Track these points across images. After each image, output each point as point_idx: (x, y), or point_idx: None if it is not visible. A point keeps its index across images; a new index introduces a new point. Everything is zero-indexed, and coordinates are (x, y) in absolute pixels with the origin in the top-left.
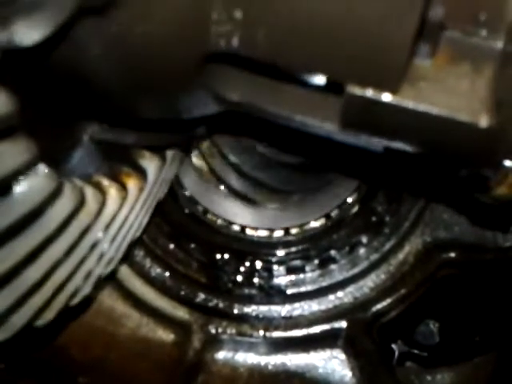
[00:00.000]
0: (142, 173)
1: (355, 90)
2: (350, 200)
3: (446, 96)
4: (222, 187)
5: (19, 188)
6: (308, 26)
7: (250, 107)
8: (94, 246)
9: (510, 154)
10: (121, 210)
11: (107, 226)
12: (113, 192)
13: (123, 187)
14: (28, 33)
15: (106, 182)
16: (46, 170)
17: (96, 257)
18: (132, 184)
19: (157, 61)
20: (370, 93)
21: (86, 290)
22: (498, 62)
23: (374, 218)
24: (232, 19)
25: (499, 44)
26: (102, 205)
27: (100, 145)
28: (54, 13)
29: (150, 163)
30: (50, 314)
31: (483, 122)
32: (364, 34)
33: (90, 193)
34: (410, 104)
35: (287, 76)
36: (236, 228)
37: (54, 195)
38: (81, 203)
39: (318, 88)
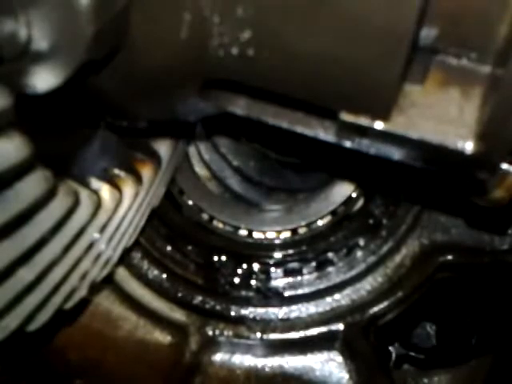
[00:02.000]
0: (155, 158)
1: (348, 118)
2: (354, 195)
3: (434, 122)
4: (221, 189)
5: (13, 186)
6: (299, 63)
7: (251, 118)
8: (91, 244)
9: (506, 157)
10: (135, 200)
11: (110, 225)
12: (128, 185)
13: (138, 177)
14: (41, 81)
15: (122, 175)
16: (42, 170)
17: (93, 257)
18: (146, 172)
19: (161, 84)
20: (362, 121)
21: (82, 292)
22: (486, 86)
23: (371, 221)
24: (229, 56)
25: (487, 68)
26: (98, 206)
27: (115, 131)
28: (62, 64)
29: (162, 146)
30: (44, 317)
31: (469, 148)
32: (354, 71)
33: (84, 195)
34: (400, 131)
35: (284, 102)
36: (233, 230)
37: (48, 196)
38: (75, 204)
39: (313, 112)
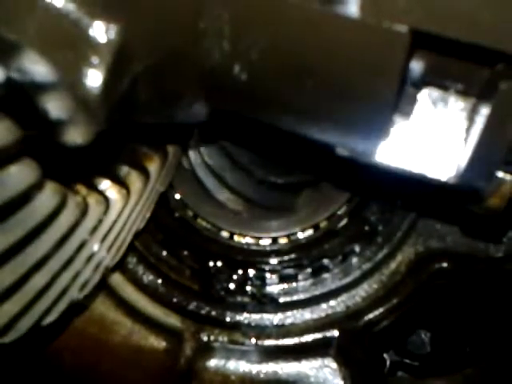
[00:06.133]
0: (162, 152)
1: (344, 153)
2: (340, 212)
3: (419, 156)
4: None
5: (27, 206)
6: (293, 114)
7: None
8: (92, 254)
9: (502, 166)
10: (142, 196)
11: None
12: (135, 181)
13: (145, 172)
14: (71, 140)
15: (129, 172)
16: (51, 187)
17: (94, 263)
18: (151, 166)
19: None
20: (356, 155)
21: (92, 282)
22: (470, 119)
23: (366, 228)
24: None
25: (472, 100)
26: (106, 211)
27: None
28: (82, 132)
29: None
30: (53, 316)
31: (451, 181)
32: (344, 124)
33: (92, 201)
34: (392, 163)
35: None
36: (229, 236)
37: (59, 208)
38: (84, 212)
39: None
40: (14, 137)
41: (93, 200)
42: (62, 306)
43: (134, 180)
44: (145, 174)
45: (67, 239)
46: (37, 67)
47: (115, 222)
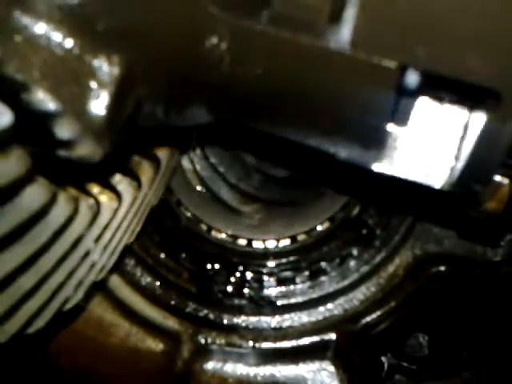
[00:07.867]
0: (155, 160)
1: (342, 157)
2: (338, 215)
3: (415, 164)
4: (212, 197)
5: (15, 199)
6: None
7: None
8: (87, 253)
9: (499, 170)
10: (133, 205)
11: (103, 231)
12: (127, 189)
13: (137, 181)
14: (83, 159)
15: (122, 178)
16: (41, 181)
17: (89, 264)
18: (145, 175)
19: None
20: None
21: (78, 296)
22: (464, 127)
23: (364, 231)
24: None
25: (466, 109)
26: (97, 212)
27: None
28: (90, 152)
29: (160, 150)
30: (41, 321)
31: (444, 188)
32: (343, 140)
33: (84, 202)
34: (389, 171)
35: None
36: (227, 238)
37: (49, 205)
38: (75, 212)
39: None
40: (26, 166)
41: (105, 198)
42: (51, 310)
43: (145, 169)
44: (155, 161)
45: (56, 239)
46: (44, 102)
47: (127, 212)
